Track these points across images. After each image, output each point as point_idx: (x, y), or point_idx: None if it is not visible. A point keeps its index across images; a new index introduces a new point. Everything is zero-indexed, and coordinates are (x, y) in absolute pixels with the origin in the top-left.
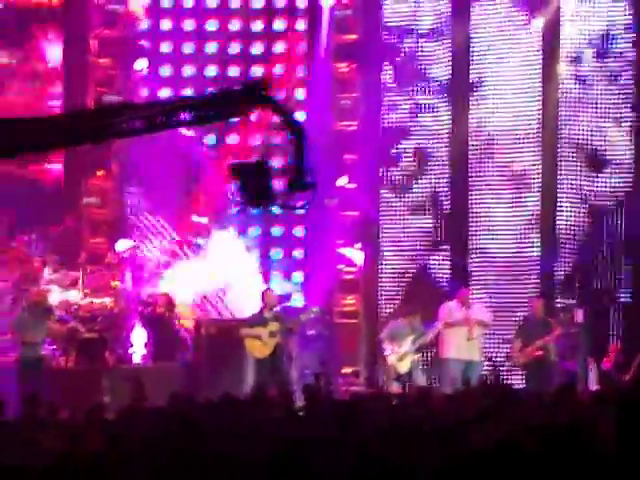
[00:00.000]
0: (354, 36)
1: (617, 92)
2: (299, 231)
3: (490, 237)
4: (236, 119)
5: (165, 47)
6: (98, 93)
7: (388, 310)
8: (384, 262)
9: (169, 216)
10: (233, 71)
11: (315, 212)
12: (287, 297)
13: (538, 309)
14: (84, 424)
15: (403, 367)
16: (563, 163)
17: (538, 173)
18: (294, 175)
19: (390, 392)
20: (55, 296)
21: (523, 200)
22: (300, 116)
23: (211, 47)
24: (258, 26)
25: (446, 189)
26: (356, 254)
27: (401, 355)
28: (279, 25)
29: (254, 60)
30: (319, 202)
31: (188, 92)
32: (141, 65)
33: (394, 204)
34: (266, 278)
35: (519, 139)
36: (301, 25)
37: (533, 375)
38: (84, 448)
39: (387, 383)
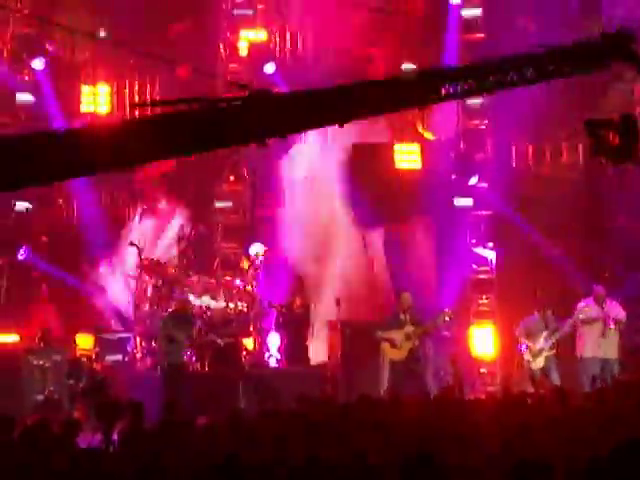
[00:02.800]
0: (481, 35)
1: None
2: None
3: None
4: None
5: None
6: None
7: None
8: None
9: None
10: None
11: (445, 212)
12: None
13: None
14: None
15: (538, 363)
16: None
17: None
18: None
19: (525, 392)
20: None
21: None
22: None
23: None
24: None
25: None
26: (489, 253)
27: (536, 351)
28: None
29: None
30: (449, 202)
31: None
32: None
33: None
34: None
35: None
36: None
37: None
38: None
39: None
